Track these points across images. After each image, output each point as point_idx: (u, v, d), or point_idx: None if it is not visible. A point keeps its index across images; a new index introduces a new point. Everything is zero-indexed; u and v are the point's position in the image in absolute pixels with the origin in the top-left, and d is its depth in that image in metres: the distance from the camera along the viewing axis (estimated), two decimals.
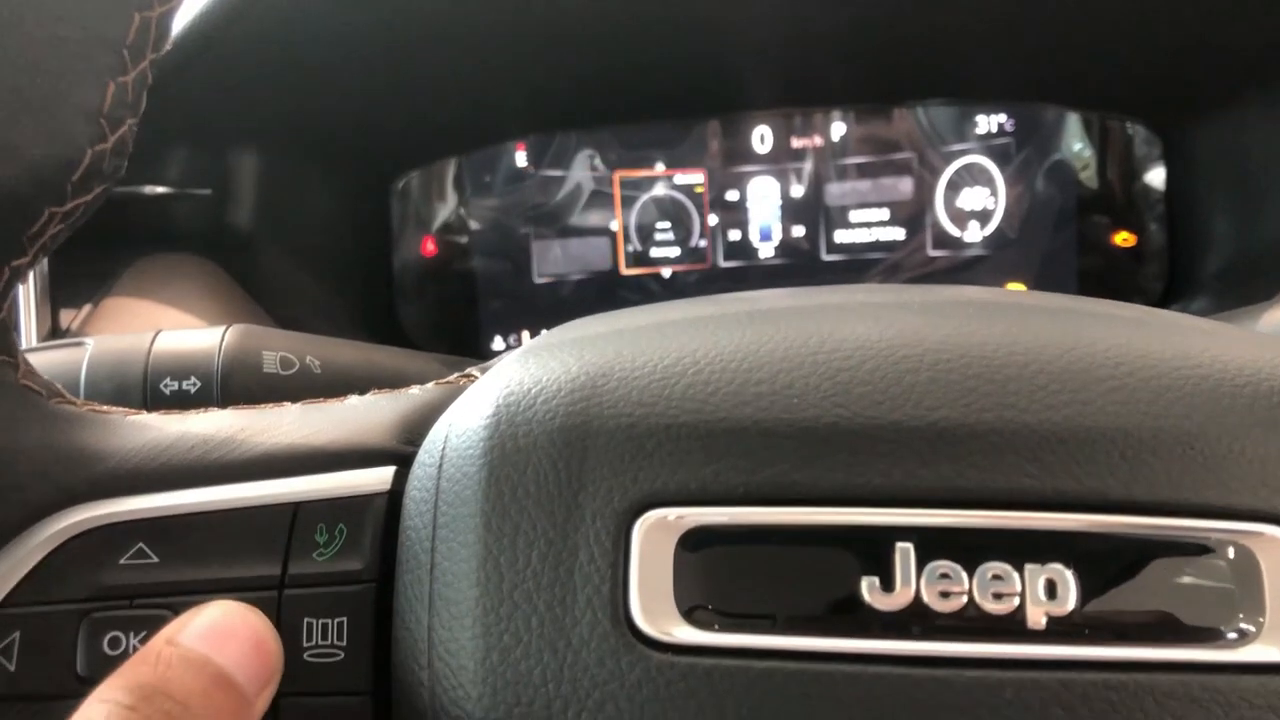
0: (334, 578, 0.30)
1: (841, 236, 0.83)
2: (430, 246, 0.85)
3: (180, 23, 0.63)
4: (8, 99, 0.29)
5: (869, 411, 0.27)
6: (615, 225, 0.85)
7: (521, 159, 0.84)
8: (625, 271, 0.85)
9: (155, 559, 0.30)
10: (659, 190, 0.84)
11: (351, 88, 0.73)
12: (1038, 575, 0.25)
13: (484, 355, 0.83)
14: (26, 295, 0.61)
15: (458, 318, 0.86)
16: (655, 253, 0.85)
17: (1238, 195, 0.72)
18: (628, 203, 0.84)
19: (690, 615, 0.26)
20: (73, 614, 0.29)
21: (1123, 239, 0.79)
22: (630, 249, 0.85)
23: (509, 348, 0.86)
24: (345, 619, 0.29)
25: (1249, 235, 0.71)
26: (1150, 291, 0.78)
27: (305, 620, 0.29)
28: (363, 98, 0.74)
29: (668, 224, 0.84)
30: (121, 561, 0.30)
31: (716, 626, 0.26)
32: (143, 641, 0.29)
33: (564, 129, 0.83)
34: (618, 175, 0.84)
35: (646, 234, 0.85)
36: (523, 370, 0.30)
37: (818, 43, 0.75)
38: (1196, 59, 0.69)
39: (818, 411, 0.27)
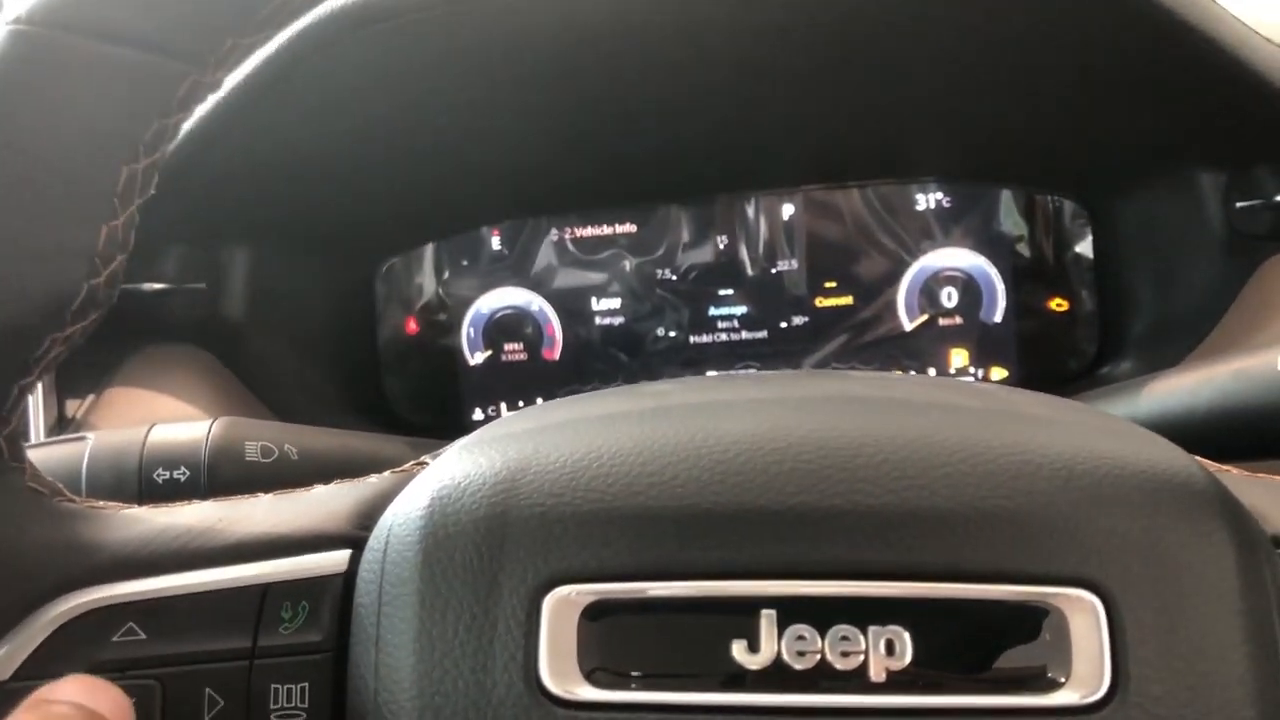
0: (297, 648, 0.34)
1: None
2: (413, 325, 0.90)
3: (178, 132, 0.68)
4: (15, 248, 0.33)
5: (740, 498, 0.32)
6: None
7: (496, 243, 0.89)
8: (598, 343, 0.90)
9: (143, 635, 0.34)
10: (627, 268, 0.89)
11: (333, 184, 0.78)
12: (880, 636, 0.30)
13: (466, 426, 0.88)
14: (35, 387, 0.66)
15: (440, 391, 0.90)
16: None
17: (1156, 264, 0.77)
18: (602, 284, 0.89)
19: (591, 676, 0.31)
20: None
21: (1056, 304, 0.84)
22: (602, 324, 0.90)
23: (488, 418, 0.90)
24: (307, 684, 0.33)
25: (1166, 301, 0.76)
26: (1084, 353, 0.83)
27: (272, 685, 0.33)
28: (345, 195, 0.79)
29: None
30: (114, 639, 0.34)
31: (614, 686, 0.31)
32: (134, 708, 0.33)
33: (535, 214, 0.88)
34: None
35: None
36: (456, 465, 0.35)
37: (769, 133, 0.80)
38: (1113, 141, 0.74)
39: (697, 499, 0.32)
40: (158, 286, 0.73)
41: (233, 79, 0.67)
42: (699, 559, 0.31)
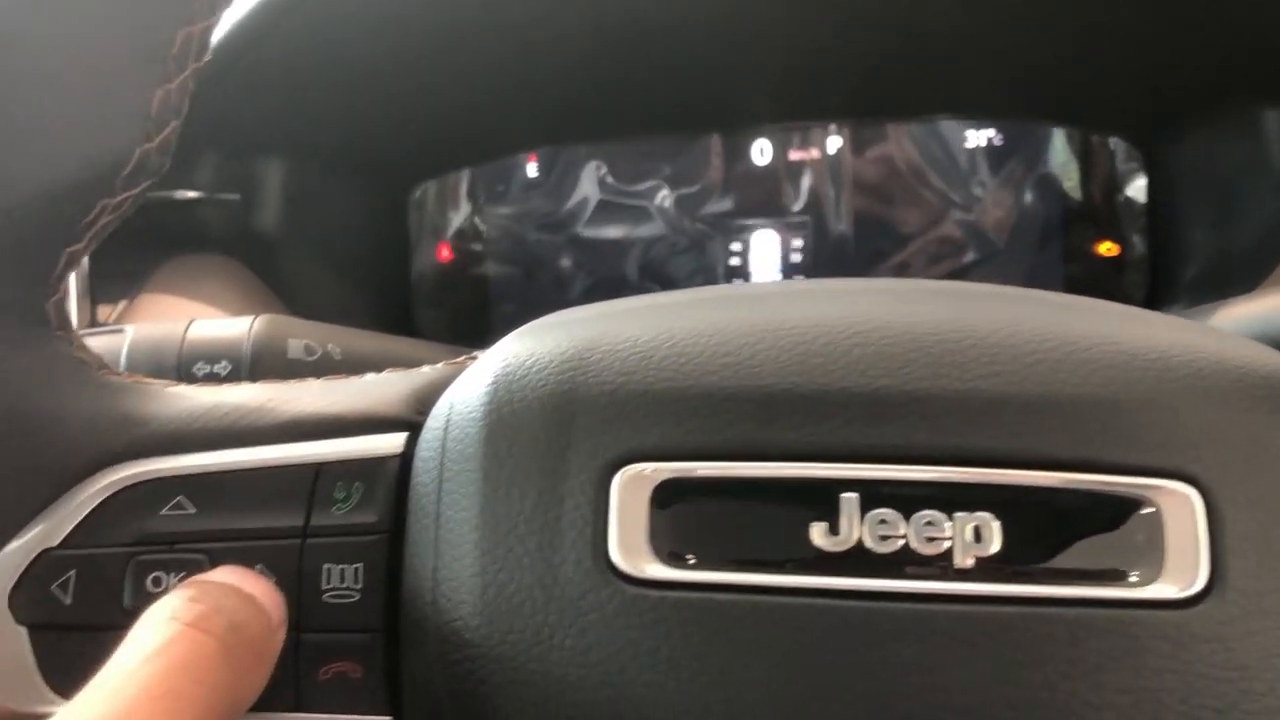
0: (351, 529, 0.33)
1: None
2: (446, 253, 0.89)
3: (214, 38, 0.67)
4: (70, 104, 0.33)
5: (820, 380, 0.30)
6: (622, 234, 0.89)
7: (533, 170, 0.88)
8: (632, 278, 0.89)
9: (193, 510, 0.33)
10: (665, 201, 0.88)
11: (371, 103, 0.77)
12: (966, 523, 0.29)
13: None
14: (83, 258, 0.65)
15: (471, 320, 0.89)
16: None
17: (1213, 206, 0.75)
18: (635, 212, 0.88)
19: (661, 555, 0.30)
20: (121, 556, 0.33)
21: (1106, 249, 0.82)
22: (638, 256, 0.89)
23: None
24: (361, 565, 0.32)
25: (1223, 244, 0.74)
26: (1134, 298, 0.81)
27: (325, 566, 0.32)
28: (382, 112, 0.78)
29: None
30: (163, 512, 0.33)
31: (685, 565, 0.30)
32: (181, 580, 0.33)
33: (573, 142, 0.87)
34: (627, 186, 0.87)
35: (653, 242, 0.88)
36: (519, 346, 0.34)
37: (815, 61, 0.79)
38: (1172, 79, 0.72)
39: (776, 379, 0.30)
40: (191, 195, 0.72)
41: None
42: (777, 440, 0.30)
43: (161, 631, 0.28)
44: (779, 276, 0.86)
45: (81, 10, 0.32)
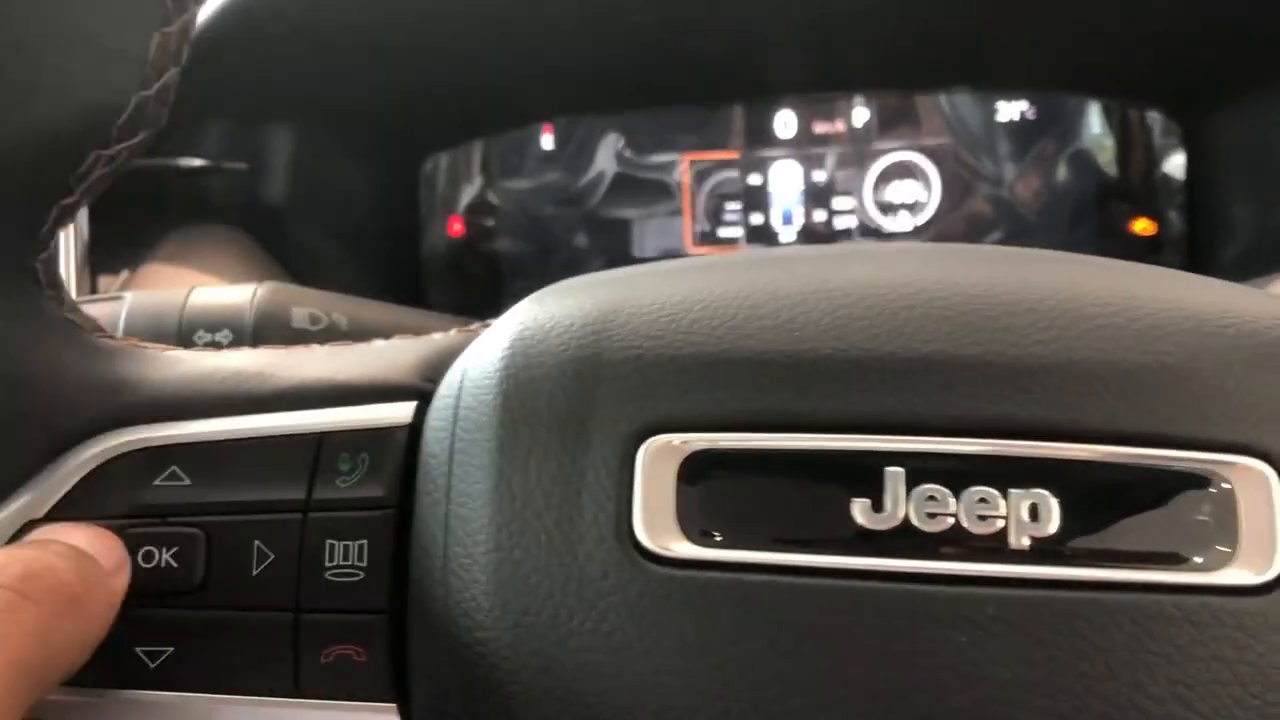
0: (356, 503, 0.31)
1: (865, 221, 0.85)
2: (457, 227, 0.87)
3: (219, 1, 0.65)
4: (58, 45, 0.31)
5: (864, 345, 0.28)
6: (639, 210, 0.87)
7: (548, 142, 0.86)
8: (649, 254, 0.87)
9: (188, 481, 0.32)
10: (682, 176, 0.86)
11: (382, 70, 0.75)
12: (1022, 500, 0.26)
13: None
14: (67, 261, 0.63)
15: (483, 297, 0.88)
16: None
17: (1257, 183, 0.72)
18: (655, 187, 0.86)
19: (690, 533, 0.27)
20: (110, 529, 0.31)
21: (1142, 227, 0.80)
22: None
23: None
24: (366, 542, 0.31)
25: (1265, 222, 0.72)
26: None
27: (328, 542, 0.31)
28: (393, 80, 0.76)
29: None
30: (156, 483, 0.32)
31: (715, 543, 0.27)
32: (175, 556, 0.31)
33: (590, 113, 0.84)
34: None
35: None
36: (538, 309, 0.32)
37: (842, 29, 0.76)
38: (1213, 48, 0.70)
39: (816, 344, 0.28)
40: (196, 163, 0.70)
41: None
42: (816, 409, 0.28)
43: None
44: (801, 201, 0.84)
45: None
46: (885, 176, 0.84)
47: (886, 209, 0.84)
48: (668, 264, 0.35)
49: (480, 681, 0.28)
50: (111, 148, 0.33)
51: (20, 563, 0.28)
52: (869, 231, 0.84)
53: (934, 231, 0.84)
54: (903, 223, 0.84)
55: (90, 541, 0.30)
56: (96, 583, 0.29)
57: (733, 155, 0.85)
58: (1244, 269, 0.73)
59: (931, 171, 0.83)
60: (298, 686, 0.30)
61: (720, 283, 0.31)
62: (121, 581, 0.30)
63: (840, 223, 0.85)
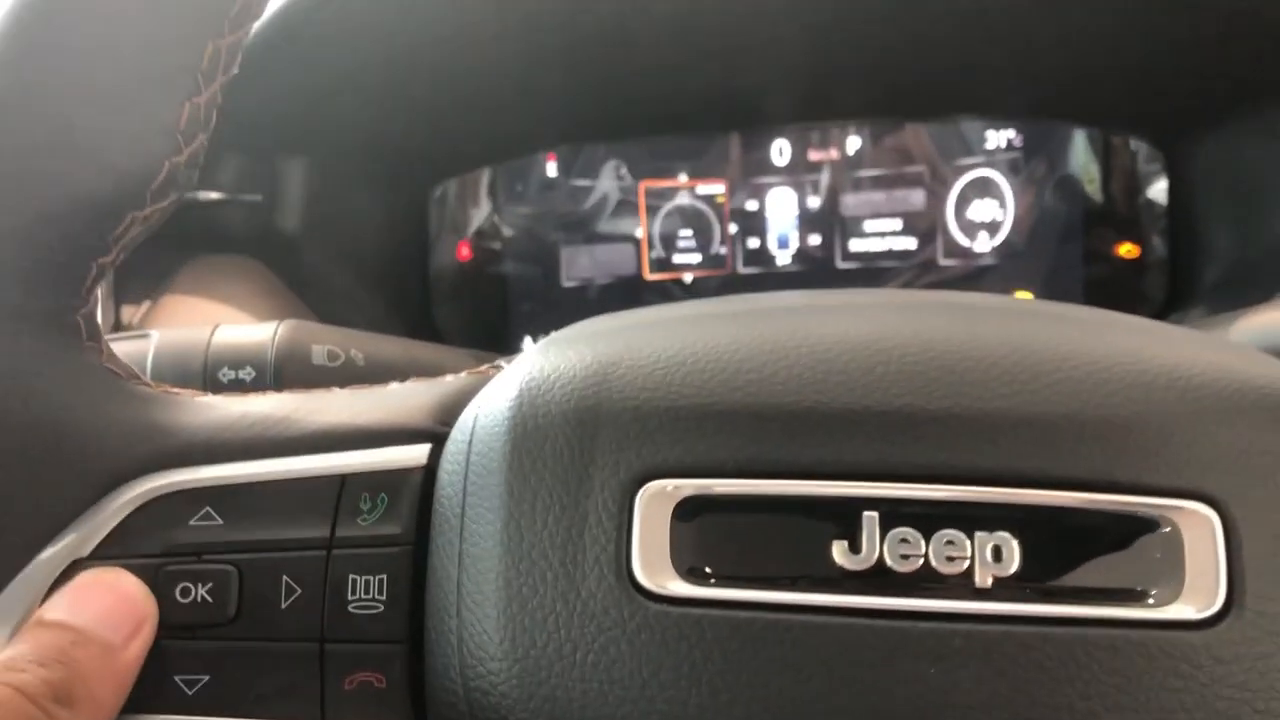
0: (376, 540, 0.33)
1: (856, 246, 0.87)
2: (465, 251, 0.89)
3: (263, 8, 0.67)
4: (102, 117, 0.33)
5: (843, 398, 0.31)
6: (640, 233, 0.89)
7: (552, 169, 0.88)
8: (649, 277, 0.89)
9: (220, 521, 0.34)
10: (682, 200, 0.88)
11: (392, 103, 0.77)
12: (986, 542, 0.29)
13: (514, 354, 0.87)
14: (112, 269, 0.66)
15: (490, 319, 0.90)
16: (678, 259, 0.89)
17: (1235, 208, 0.74)
18: (652, 211, 0.88)
19: (684, 572, 0.30)
20: (149, 566, 0.33)
21: (1126, 250, 0.82)
22: (654, 255, 0.89)
23: None
24: (385, 576, 0.33)
25: (1245, 247, 0.74)
26: (1153, 300, 0.81)
27: (350, 576, 0.33)
28: (403, 112, 0.78)
29: (690, 232, 0.88)
30: (191, 523, 0.34)
31: (707, 582, 0.30)
32: (210, 591, 0.33)
33: (592, 141, 0.87)
34: (643, 185, 0.88)
35: (669, 241, 0.88)
36: (544, 359, 0.34)
37: (835, 61, 0.78)
38: (1194, 79, 0.72)
39: (799, 397, 0.31)
40: (214, 196, 0.72)
41: None
42: (799, 457, 0.30)
43: None
44: (795, 226, 0.86)
45: (115, 24, 0.33)
46: (879, 202, 0.86)
47: (879, 234, 0.87)
48: (665, 313, 0.37)
49: (491, 709, 0.30)
50: (146, 209, 0.35)
51: (45, 668, 0.30)
52: (860, 256, 0.87)
53: (928, 253, 0.86)
54: (896, 244, 0.86)
55: (102, 618, 0.31)
56: (119, 659, 0.31)
57: (719, 182, 0.87)
58: (1224, 293, 0.75)
59: (921, 197, 0.85)
60: (323, 711, 0.32)
61: (712, 336, 0.33)
62: (136, 649, 0.32)
63: (834, 248, 0.87)
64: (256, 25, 0.70)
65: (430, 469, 0.34)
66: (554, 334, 0.37)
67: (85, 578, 0.33)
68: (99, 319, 0.37)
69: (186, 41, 0.34)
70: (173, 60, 0.34)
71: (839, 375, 0.31)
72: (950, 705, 0.28)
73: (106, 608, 0.32)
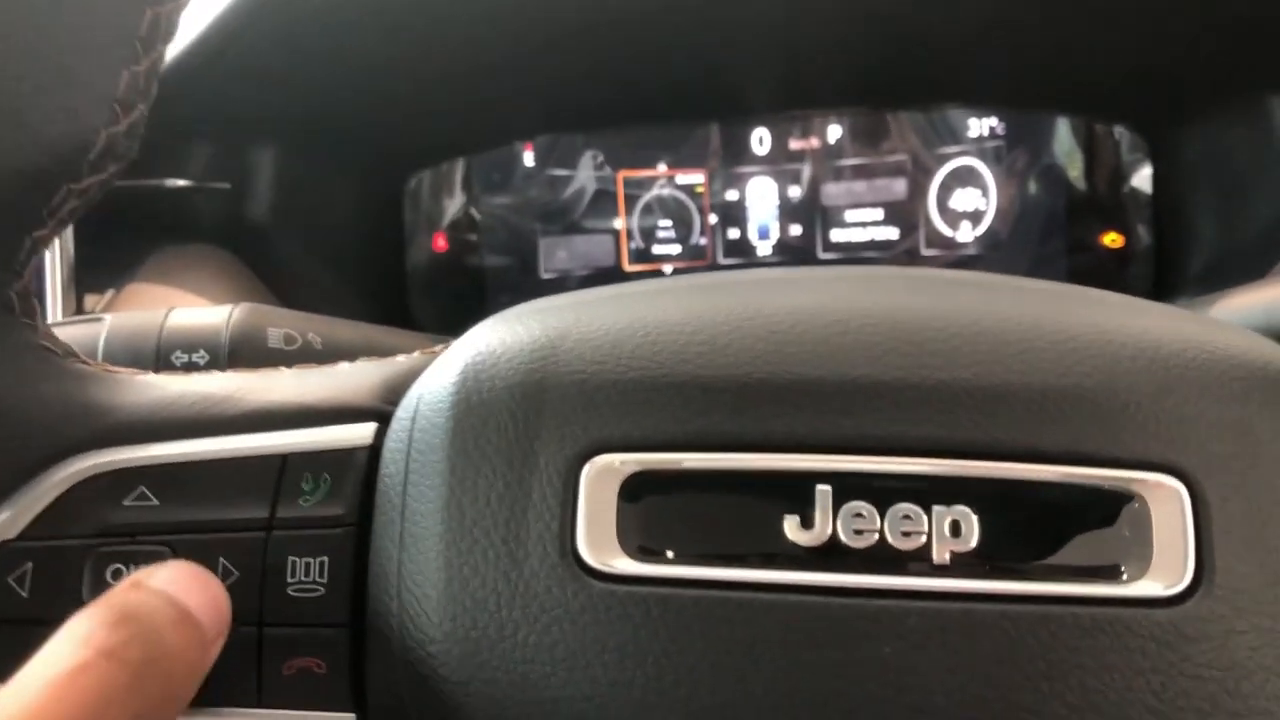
0: (317, 521, 0.32)
1: (837, 235, 0.86)
2: (441, 243, 0.88)
3: (204, 25, 0.66)
4: (29, 84, 0.32)
5: (796, 369, 0.29)
6: (619, 224, 0.88)
7: (529, 159, 0.87)
8: (629, 268, 0.88)
9: (156, 501, 0.33)
10: (661, 190, 0.87)
11: (365, 90, 0.76)
12: (944, 516, 0.28)
13: None
14: (53, 280, 0.64)
15: (467, 311, 0.88)
16: (657, 250, 0.88)
17: (1219, 197, 0.74)
18: (631, 201, 0.87)
19: (630, 550, 0.29)
20: (80, 548, 0.32)
21: (1111, 239, 0.81)
22: (633, 246, 0.88)
23: None
24: (326, 559, 0.32)
25: (1230, 235, 0.73)
26: (1138, 290, 0.80)
27: (289, 559, 0.32)
28: (375, 100, 0.77)
29: (669, 222, 0.87)
30: (125, 503, 0.33)
31: (654, 559, 0.29)
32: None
33: (570, 131, 0.86)
34: (621, 175, 0.87)
35: (649, 232, 0.87)
36: (490, 334, 0.33)
37: (815, 49, 0.78)
38: (1179, 66, 0.71)
39: (750, 369, 0.29)
40: (181, 184, 0.71)
41: None
42: (749, 430, 0.29)
43: (70, 657, 0.26)
44: (776, 216, 0.85)
45: None
46: (860, 191, 0.85)
47: (861, 224, 0.86)
48: (616, 290, 0.36)
49: (431, 693, 0.29)
50: (82, 181, 0.34)
51: (145, 644, 0.27)
52: (842, 246, 0.86)
53: (910, 242, 0.85)
54: (878, 234, 0.85)
55: (207, 607, 0.30)
56: (201, 662, 0.29)
57: (700, 172, 0.86)
58: (1209, 281, 0.74)
59: (902, 187, 0.84)
60: (260, 698, 0.31)
61: (663, 309, 0.32)
62: (216, 650, 0.30)
63: (815, 238, 0.86)
64: (227, 7, 0.69)
65: (376, 449, 0.33)
66: (504, 310, 0.36)
67: (187, 566, 0.31)
68: (34, 295, 0.36)
69: (123, 7, 0.33)
70: (108, 27, 0.33)
71: (793, 346, 0.30)
72: (907, 686, 0.27)
73: (206, 600, 0.30)
